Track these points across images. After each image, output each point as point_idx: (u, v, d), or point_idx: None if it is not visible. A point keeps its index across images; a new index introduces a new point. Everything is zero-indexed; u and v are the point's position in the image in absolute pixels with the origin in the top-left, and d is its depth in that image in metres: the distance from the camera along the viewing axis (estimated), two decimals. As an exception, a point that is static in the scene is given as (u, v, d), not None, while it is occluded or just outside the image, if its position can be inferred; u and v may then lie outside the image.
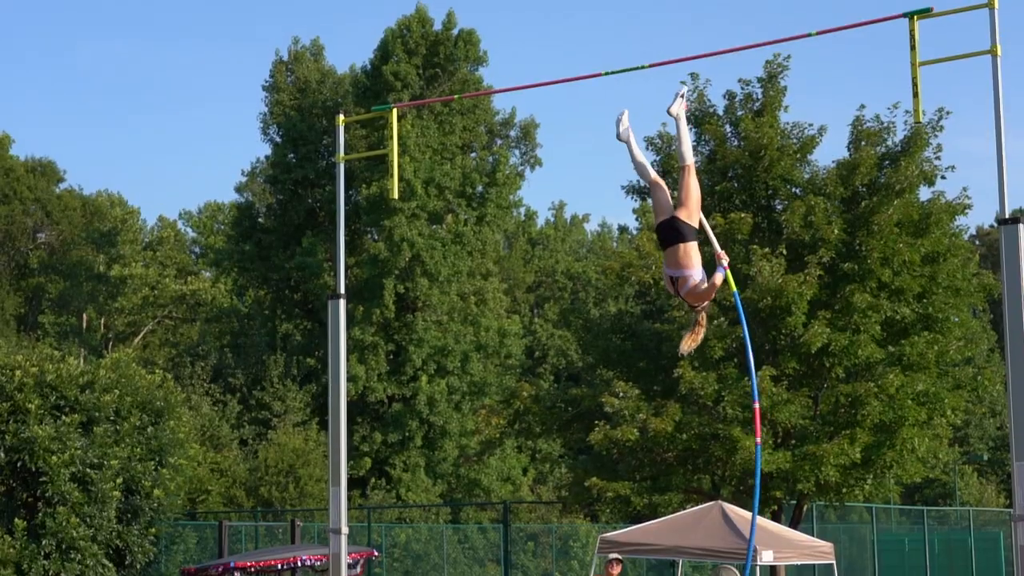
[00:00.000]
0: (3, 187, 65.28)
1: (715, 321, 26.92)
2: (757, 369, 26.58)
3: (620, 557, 22.24)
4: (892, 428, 26.28)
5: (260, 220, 59.16)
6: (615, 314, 36.08)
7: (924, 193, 28.80)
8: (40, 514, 26.74)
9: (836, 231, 27.08)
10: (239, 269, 59.40)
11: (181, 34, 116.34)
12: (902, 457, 26.73)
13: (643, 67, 16.07)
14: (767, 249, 27.18)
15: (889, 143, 28.68)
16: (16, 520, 26.46)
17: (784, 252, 27.22)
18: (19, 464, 26.80)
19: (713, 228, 27.77)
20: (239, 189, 66.06)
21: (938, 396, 26.89)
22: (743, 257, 27.34)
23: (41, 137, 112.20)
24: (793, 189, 29.04)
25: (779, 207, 29.07)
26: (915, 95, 14.24)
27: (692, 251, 11.88)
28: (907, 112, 28.25)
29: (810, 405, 27.10)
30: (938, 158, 28.58)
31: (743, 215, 27.73)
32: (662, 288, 28.61)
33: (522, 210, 64.84)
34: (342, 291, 17.75)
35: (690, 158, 12.60)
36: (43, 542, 26.38)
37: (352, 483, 47.41)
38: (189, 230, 77.41)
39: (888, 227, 27.13)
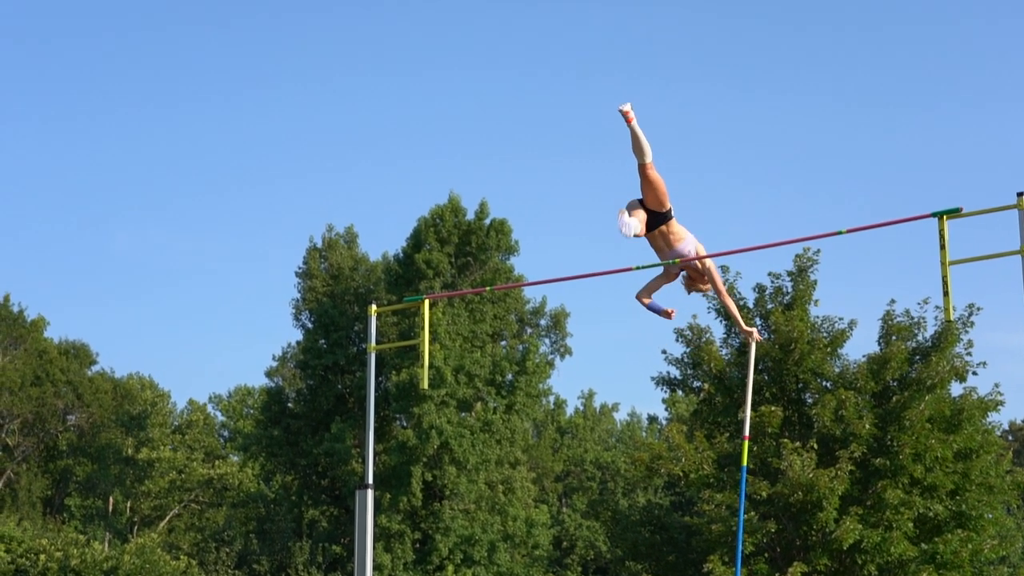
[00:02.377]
0: (36, 369, 65.62)
1: (746, 516, 26.69)
2: (787, 565, 26.27)
3: None
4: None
5: (290, 405, 59.18)
6: (644, 506, 35.82)
7: (956, 389, 28.76)
8: None
9: (867, 426, 26.97)
10: (267, 454, 59.25)
11: (215, 222, 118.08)
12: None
13: (674, 262, 16.21)
14: (798, 443, 27.07)
15: (920, 338, 28.73)
16: None
17: (815, 446, 27.10)
18: (39, 651, 26.57)
19: (743, 421, 27.83)
20: (269, 374, 66.25)
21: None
22: (774, 451, 27.23)
23: (75, 320, 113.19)
24: (824, 383, 29.01)
25: (810, 401, 29.02)
26: (945, 293, 14.30)
27: (674, 227, 13.21)
28: (937, 308, 28.41)
29: (842, 603, 26.70)
30: (969, 354, 28.58)
31: (773, 408, 27.69)
32: (692, 480, 28.48)
33: (551, 398, 64.76)
34: (370, 481, 17.68)
35: (649, 156, 13.10)
36: None
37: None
38: (218, 414, 77.50)
39: (920, 423, 27.01)
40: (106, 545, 42.66)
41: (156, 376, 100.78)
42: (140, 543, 30.84)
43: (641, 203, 13.14)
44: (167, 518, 66.01)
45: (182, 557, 31.96)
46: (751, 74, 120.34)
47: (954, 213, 14.40)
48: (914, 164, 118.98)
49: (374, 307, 18.51)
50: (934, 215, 14.47)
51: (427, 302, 17.89)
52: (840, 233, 15.28)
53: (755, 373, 29.20)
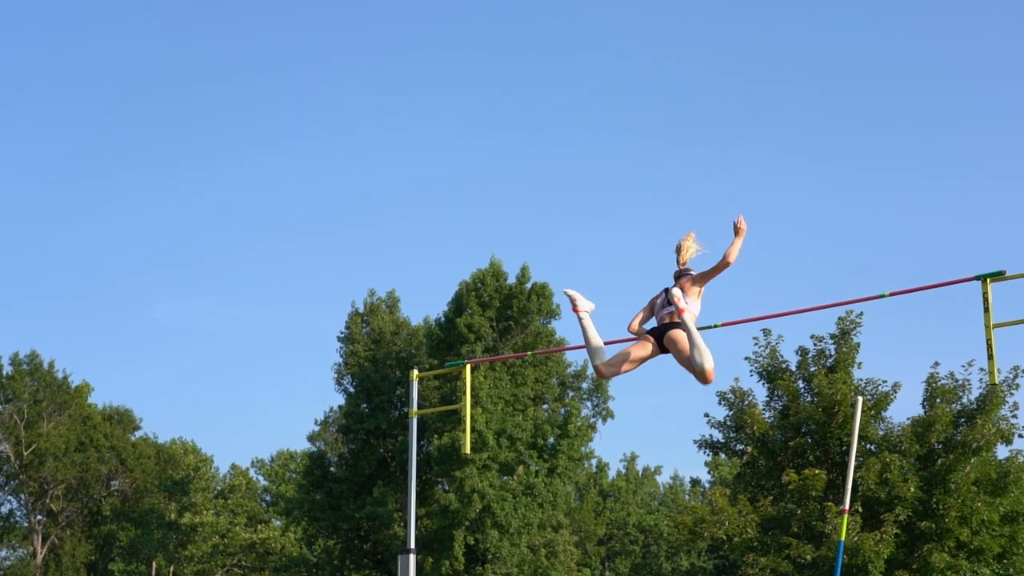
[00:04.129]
0: (80, 435, 66.02)
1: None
2: (834, 629, 26.05)
3: None
4: None
5: (332, 469, 59.28)
6: (688, 569, 35.62)
7: (1002, 451, 28.57)
8: None
9: (912, 489, 26.81)
10: (309, 518, 59.30)
11: (257, 288, 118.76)
12: None
13: (715, 326, 16.24)
14: (842, 507, 26.92)
15: (964, 401, 28.57)
16: None
17: (860, 509, 26.92)
18: None
19: (787, 484, 27.70)
20: (312, 438, 66.45)
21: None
22: (818, 514, 27.07)
23: (119, 386, 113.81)
24: (868, 446, 28.85)
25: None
26: (990, 356, 14.29)
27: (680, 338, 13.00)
28: (982, 370, 28.25)
29: (889, 668, 26.45)
30: (1015, 416, 28.41)
31: (817, 472, 27.56)
32: (736, 544, 28.33)
33: (594, 462, 64.61)
34: (412, 545, 17.73)
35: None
36: None
37: None
38: (261, 478, 77.65)
39: (965, 485, 26.82)
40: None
41: (199, 441, 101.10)
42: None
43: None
44: (210, 582, 66.05)
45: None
46: (796, 142, 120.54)
47: (998, 276, 14.40)
48: (957, 228, 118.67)
49: (416, 372, 18.66)
50: (977, 278, 14.48)
51: (468, 367, 17.99)
52: (883, 296, 15.30)
53: (798, 435, 29.10)
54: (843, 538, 14.62)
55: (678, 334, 12.76)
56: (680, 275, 13.17)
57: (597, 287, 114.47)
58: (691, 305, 12.83)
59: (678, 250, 13.36)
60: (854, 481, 28.15)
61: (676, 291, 12.75)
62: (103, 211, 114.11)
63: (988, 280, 14.36)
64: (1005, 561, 26.93)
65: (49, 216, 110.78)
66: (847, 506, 14.54)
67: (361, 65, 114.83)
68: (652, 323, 13.28)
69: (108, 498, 67.39)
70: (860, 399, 15.46)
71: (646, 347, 13.07)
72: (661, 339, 12.92)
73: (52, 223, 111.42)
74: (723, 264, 12.86)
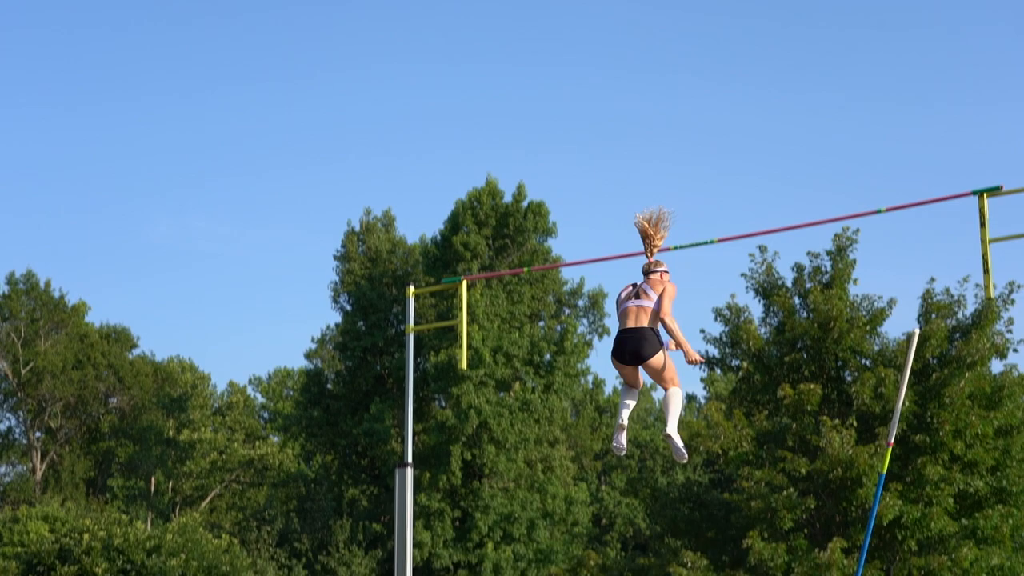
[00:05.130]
0: (77, 353, 66.12)
1: (784, 492, 26.72)
2: (827, 541, 26.31)
3: None
4: (967, 604, 25.84)
5: (329, 386, 59.49)
6: (683, 483, 35.86)
7: (996, 366, 28.67)
8: None
9: (907, 403, 26.94)
10: (307, 434, 59.63)
11: (254, 207, 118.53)
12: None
13: (711, 241, 16.24)
14: (837, 420, 27.06)
15: (960, 316, 28.64)
16: None
17: (854, 423, 27.08)
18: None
19: (782, 399, 27.86)
20: (309, 356, 66.58)
21: (1013, 570, 26.43)
22: (813, 428, 27.24)
23: (116, 305, 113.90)
24: (863, 361, 28.96)
25: (849, 378, 28.98)
26: (985, 271, 14.30)
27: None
28: (977, 286, 28.34)
29: (882, 579, 26.73)
30: (1010, 331, 28.50)
31: (812, 386, 27.69)
32: (731, 458, 28.53)
33: (590, 378, 64.80)
34: (409, 460, 17.83)
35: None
36: None
37: (416, 653, 46.89)
38: (258, 396, 77.93)
39: (960, 400, 26.96)
40: (148, 524, 43.01)
41: (196, 359, 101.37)
42: (182, 522, 31.11)
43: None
44: (208, 498, 66.44)
45: (224, 536, 32.22)
46: (792, 60, 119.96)
47: (994, 191, 14.38)
48: (954, 143, 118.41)
49: (412, 289, 18.67)
50: (974, 193, 14.46)
51: (465, 283, 18.01)
52: (879, 212, 15.29)
53: (794, 351, 29.22)
54: (884, 470, 14.58)
55: (655, 362, 11.76)
56: (649, 271, 11.90)
57: (592, 207, 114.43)
58: (655, 300, 11.67)
59: (645, 236, 12.01)
60: (848, 395, 28.31)
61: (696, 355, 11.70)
62: (101, 131, 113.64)
63: (985, 195, 14.33)
64: (998, 473, 27.12)
65: (46, 136, 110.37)
66: (891, 439, 14.45)
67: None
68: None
69: (106, 415, 67.64)
70: (917, 330, 15.25)
71: (634, 375, 12.25)
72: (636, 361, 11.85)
73: (49, 143, 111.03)
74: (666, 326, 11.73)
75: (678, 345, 11.78)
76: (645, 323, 11.61)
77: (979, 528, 26.28)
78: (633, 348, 11.64)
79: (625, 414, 12.24)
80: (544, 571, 50.79)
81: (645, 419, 76.21)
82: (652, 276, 11.85)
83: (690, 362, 11.76)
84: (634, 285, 11.91)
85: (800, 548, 26.15)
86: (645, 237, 11.99)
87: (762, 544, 25.97)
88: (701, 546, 28.29)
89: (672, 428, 11.90)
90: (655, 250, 11.97)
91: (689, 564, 26.80)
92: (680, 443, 12.02)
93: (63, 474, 65.61)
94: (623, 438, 12.31)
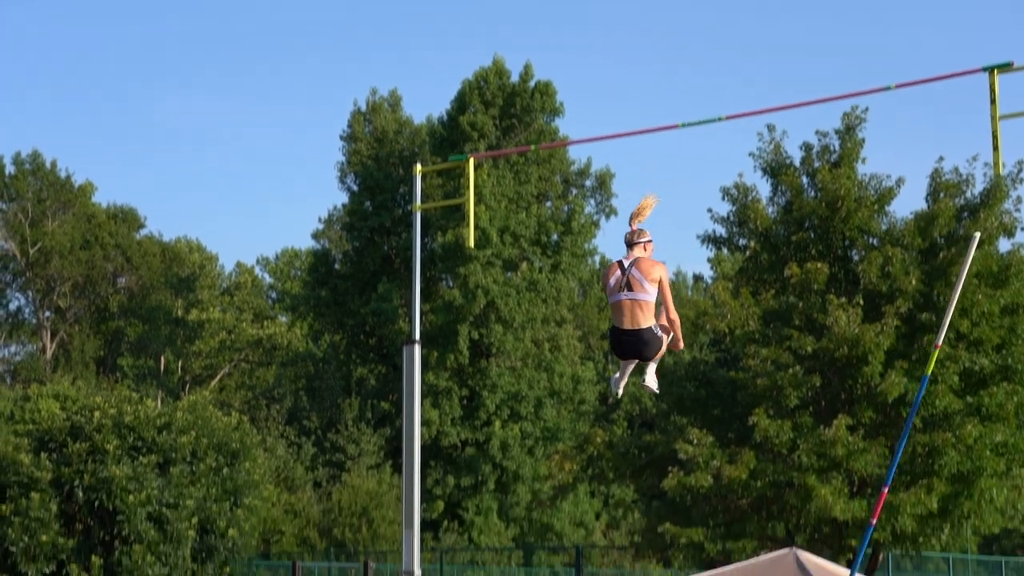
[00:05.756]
0: (85, 233, 66.26)
1: (790, 369, 26.84)
2: (832, 418, 26.48)
3: None
4: (970, 478, 26.02)
5: (336, 267, 59.64)
6: (690, 362, 36.00)
7: (1004, 244, 28.60)
8: (117, 552, 27.13)
9: (914, 282, 26.94)
10: (315, 314, 59.91)
11: (261, 87, 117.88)
12: (980, 507, 26.44)
13: (719, 119, 16.17)
14: (843, 299, 27.09)
15: (968, 195, 28.51)
16: (93, 557, 26.86)
17: (861, 302, 27.11)
18: (96, 503, 27.23)
19: (789, 278, 27.88)
20: (316, 236, 66.69)
21: (1017, 447, 26.61)
22: (819, 307, 27.28)
23: (123, 185, 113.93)
24: (870, 240, 28.91)
25: (856, 258, 28.96)
26: (995, 148, 14.24)
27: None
28: (986, 164, 28.16)
29: (887, 454, 26.90)
30: (1018, 210, 28.38)
31: (819, 265, 27.68)
32: (737, 336, 28.62)
33: (597, 258, 64.80)
34: (417, 337, 17.92)
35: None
36: (119, 580, 26.74)
37: (424, 525, 47.48)
38: (266, 276, 78.16)
39: (967, 278, 26.93)
40: (159, 403, 43.38)
41: (204, 240, 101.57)
42: (192, 400, 31.32)
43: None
44: (218, 377, 66.99)
45: (234, 413, 32.46)
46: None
47: (1005, 67, 14.27)
48: (965, 18, 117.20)
49: (419, 167, 18.65)
50: (984, 69, 14.34)
51: (472, 161, 17.95)
52: (888, 88, 15.19)
53: (801, 230, 29.15)
54: (928, 372, 14.54)
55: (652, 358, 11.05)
56: (633, 242, 10.96)
57: (601, 83, 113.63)
58: (649, 291, 10.71)
59: (633, 216, 11.10)
60: (855, 274, 28.29)
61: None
62: (107, 9, 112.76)
63: (995, 71, 14.22)
64: (1004, 351, 27.15)
65: (50, 15, 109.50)
66: (939, 341, 14.36)
67: None
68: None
69: (115, 295, 67.92)
70: (977, 235, 15.06)
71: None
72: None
73: (54, 20, 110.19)
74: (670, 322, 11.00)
75: (673, 336, 11.12)
76: (643, 323, 10.73)
77: (984, 405, 26.37)
78: (634, 351, 11.00)
79: (629, 368, 11.54)
80: (551, 448, 51.33)
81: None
82: (636, 248, 10.93)
83: (675, 349, 11.42)
84: (621, 267, 10.84)
85: (805, 425, 26.30)
86: (633, 216, 11.06)
87: (767, 421, 26.12)
88: (707, 423, 28.44)
89: (649, 380, 11.58)
90: (644, 216, 11.04)
91: (695, 441, 26.98)
92: (655, 385, 11.65)
93: (73, 353, 66.09)
94: (622, 385, 11.75)
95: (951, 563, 38.40)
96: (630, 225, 11.02)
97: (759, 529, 27.76)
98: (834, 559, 25.67)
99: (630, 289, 10.66)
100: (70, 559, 27.09)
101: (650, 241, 11.01)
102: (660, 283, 10.76)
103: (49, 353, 65.97)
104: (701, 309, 29.95)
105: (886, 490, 15.61)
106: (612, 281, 10.79)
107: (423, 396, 47.58)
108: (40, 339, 67.27)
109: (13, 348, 70.42)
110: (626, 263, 10.79)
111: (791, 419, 26.73)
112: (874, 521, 14.82)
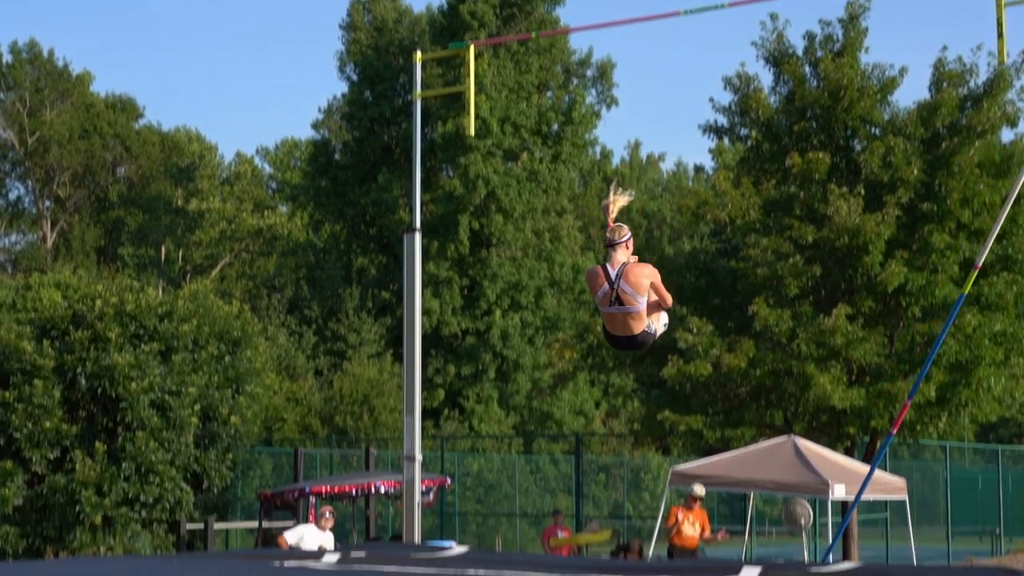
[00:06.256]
0: (84, 122, 65.96)
1: (791, 259, 26.87)
2: (832, 308, 26.57)
3: (704, 495, 22.23)
4: (968, 367, 26.19)
5: (336, 157, 59.49)
6: (690, 252, 36.05)
7: (1006, 134, 28.51)
8: (120, 439, 27.37)
9: (915, 171, 26.89)
10: (315, 204, 59.86)
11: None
12: (977, 396, 26.64)
13: (722, 6, 16.01)
14: (845, 189, 27.05)
15: (971, 84, 28.34)
16: (97, 444, 27.10)
17: (862, 192, 27.09)
18: (99, 391, 27.43)
19: (790, 167, 27.82)
20: (316, 126, 66.41)
21: (1016, 336, 26.74)
22: (820, 197, 27.25)
23: (121, 74, 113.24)
24: (872, 130, 28.81)
25: (858, 147, 28.87)
26: (1000, 35, 14.12)
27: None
28: (991, 54, 28.00)
29: (886, 343, 27.06)
30: (1021, 99, 28.26)
31: (821, 155, 27.61)
32: (738, 226, 28.62)
33: (597, 149, 64.70)
34: (417, 225, 17.91)
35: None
36: (123, 465, 27.03)
37: (425, 414, 47.84)
38: (266, 166, 77.94)
39: (969, 168, 26.88)
40: (160, 292, 43.47)
41: (203, 129, 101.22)
42: (193, 289, 31.44)
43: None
44: (218, 267, 67.08)
45: (235, 302, 32.54)
46: None
47: (1011, -49, 14.10)
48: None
49: (419, 54, 18.50)
50: (990, -47, 14.18)
51: (472, 48, 17.82)
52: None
53: (803, 120, 29.02)
54: (966, 291, 14.43)
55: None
56: (614, 242, 9.87)
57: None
58: (641, 303, 9.77)
59: (606, 210, 10.07)
60: (857, 164, 28.20)
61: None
62: None
63: (1002, -44, 14.06)
64: (1004, 242, 27.18)
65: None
66: (980, 262, 14.24)
67: None
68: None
69: (115, 185, 67.79)
70: None
71: None
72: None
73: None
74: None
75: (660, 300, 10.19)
76: (636, 330, 9.97)
77: (983, 295, 26.47)
78: (630, 348, 10.51)
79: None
80: (551, 338, 51.56)
81: (653, 190, 76.33)
82: (618, 249, 9.82)
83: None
84: (607, 277, 9.78)
85: (805, 314, 26.38)
86: (606, 209, 10.07)
87: (767, 310, 26.19)
88: (707, 313, 28.51)
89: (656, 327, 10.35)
90: (614, 214, 10.00)
91: (695, 330, 27.07)
92: (663, 324, 10.47)
93: (73, 243, 66.13)
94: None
95: (948, 451, 38.80)
96: (605, 217, 10.00)
97: (757, 417, 27.97)
98: (831, 447, 25.92)
99: (621, 303, 9.77)
100: (74, 445, 27.33)
101: (631, 238, 10.00)
102: (653, 287, 9.89)
103: (50, 242, 66.01)
104: (702, 199, 29.91)
105: (908, 403, 15.71)
106: (600, 294, 9.87)
107: (423, 286, 47.72)
108: (40, 228, 67.27)
109: (13, 237, 70.47)
110: (611, 272, 9.74)
111: (791, 308, 26.82)
112: (894, 431, 14.91)
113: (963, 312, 26.12)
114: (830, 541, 26.94)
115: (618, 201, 10.00)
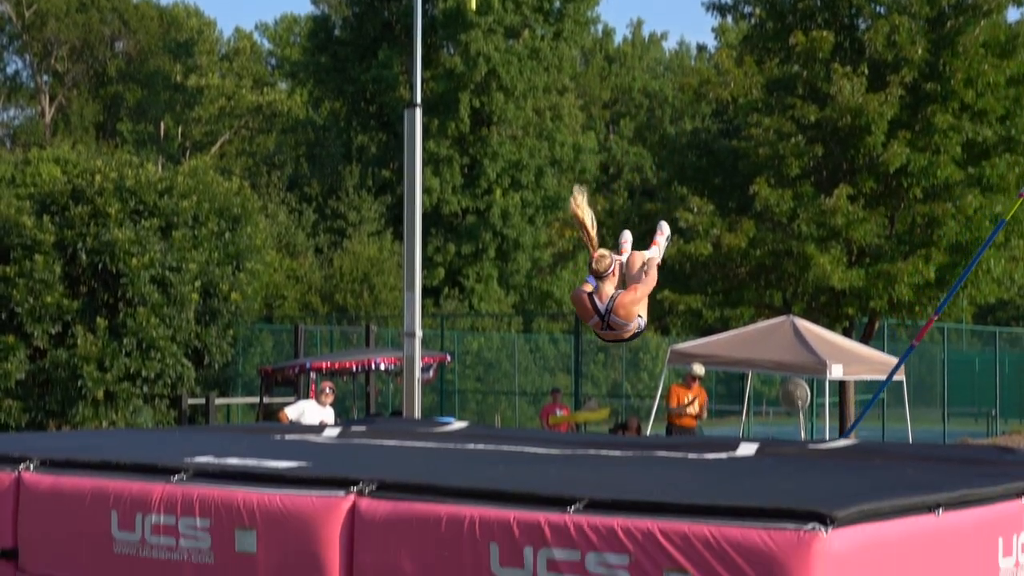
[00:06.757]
0: (82, -5, 65.32)
1: (793, 139, 26.75)
2: (833, 188, 26.52)
3: (703, 373, 22.32)
4: (968, 249, 26.17)
5: (336, 33, 58.91)
6: (692, 131, 35.90)
7: (1012, 14, 28.22)
8: (121, 314, 27.43)
9: (920, 51, 26.66)
10: (315, 81, 59.42)
11: None
12: (977, 278, 26.68)
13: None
14: (848, 68, 26.83)
15: (979, -37, 27.99)
16: (98, 319, 27.17)
17: (866, 72, 26.87)
18: (100, 266, 27.44)
19: (793, 46, 27.58)
20: (315, 1, 65.67)
21: (1016, 218, 26.71)
22: (824, 76, 27.06)
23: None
24: (877, 8, 28.52)
25: (862, 26, 28.62)
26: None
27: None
28: (999, -71, 27.65)
29: (886, 224, 27.04)
30: (1028, -21, 27.96)
31: (825, 34, 27.36)
32: (740, 105, 28.47)
33: (599, 27, 64.09)
34: (418, 100, 17.82)
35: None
36: (124, 341, 27.12)
37: (425, 292, 47.92)
38: (265, 42, 77.28)
39: (973, 48, 26.66)
40: (159, 168, 43.35)
41: (201, 4, 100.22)
42: (193, 165, 31.35)
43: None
44: (218, 144, 66.80)
45: (234, 179, 32.47)
46: None
47: None
48: None
49: (421, -74, 18.27)
50: None
51: (475, -82, 17.59)
52: None
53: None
54: (1008, 217, 14.26)
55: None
56: (601, 275, 9.09)
57: None
58: (631, 327, 9.15)
59: (589, 242, 9.12)
60: (861, 43, 27.98)
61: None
62: None
63: None
64: (1007, 122, 27.05)
65: None
66: None
67: None
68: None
69: (113, 59, 67.28)
70: None
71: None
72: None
73: None
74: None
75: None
76: (625, 336, 9.34)
77: (985, 176, 26.37)
78: (619, 342, 9.77)
79: None
80: (551, 217, 51.49)
81: (655, 68, 75.78)
82: (606, 281, 9.08)
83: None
84: (596, 309, 9.07)
85: (806, 194, 26.29)
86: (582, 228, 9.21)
87: (768, 190, 26.11)
88: (708, 192, 28.42)
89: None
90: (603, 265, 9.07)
91: (696, 210, 27.00)
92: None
93: (72, 118, 65.81)
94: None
95: (946, 332, 38.97)
96: (588, 248, 9.18)
97: (757, 297, 28.04)
98: (830, 327, 26.02)
99: (612, 328, 9.18)
100: (75, 320, 27.40)
101: (616, 266, 9.13)
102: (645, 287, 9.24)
103: (48, 117, 65.69)
104: (704, 78, 29.71)
105: (935, 318, 15.69)
106: (590, 322, 9.26)
107: (424, 164, 47.58)
108: (39, 103, 66.93)
109: (12, 112, 70.15)
110: (601, 305, 9.05)
111: (792, 188, 26.75)
112: (915, 344, 14.91)
113: (964, 193, 26.10)
114: (827, 421, 27.25)
115: (583, 208, 9.11)
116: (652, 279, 9.24)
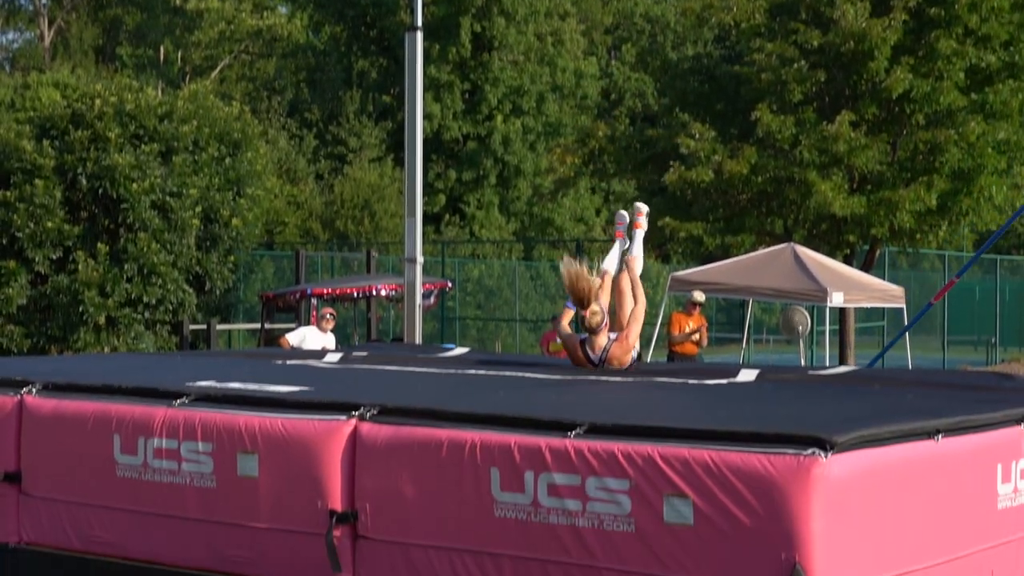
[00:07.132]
0: (78, -85, 64.75)
1: (795, 64, 26.61)
2: (835, 114, 26.39)
3: (703, 301, 22.29)
4: (970, 176, 26.12)
5: (336, -44, 58.45)
6: (693, 56, 35.67)
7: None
8: (122, 240, 27.41)
9: (925, -25, 26.46)
10: (315, 5, 59.00)
11: None
12: (978, 205, 26.64)
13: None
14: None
15: None
16: (99, 245, 27.15)
17: (869, -7, 26.66)
18: (100, 191, 27.38)
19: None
20: (316, -76, 65.07)
21: (1019, 145, 26.63)
22: (827, 0, 26.84)
23: None
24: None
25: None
26: None
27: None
28: None
29: (888, 151, 26.93)
30: (1038, -100, 27.65)
31: (829, -41, 27.12)
32: (743, 30, 28.28)
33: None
34: (419, 23, 17.70)
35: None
36: (125, 266, 27.12)
37: (426, 219, 47.83)
38: (264, -35, 76.64)
39: (977, -28, 26.46)
40: (159, 92, 43.13)
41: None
42: (193, 90, 31.17)
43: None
44: (218, 68, 66.39)
45: (235, 104, 32.32)
46: None
47: None
48: None
49: None
50: None
51: None
52: None
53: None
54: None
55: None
56: (594, 331, 9.24)
57: None
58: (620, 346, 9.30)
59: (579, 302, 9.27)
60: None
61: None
62: None
63: None
64: (1011, 48, 26.88)
65: None
66: None
67: None
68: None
69: (112, -18, 66.83)
70: None
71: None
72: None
73: None
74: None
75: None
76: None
77: (988, 102, 26.21)
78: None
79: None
80: (553, 143, 51.34)
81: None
82: (600, 333, 9.27)
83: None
84: (588, 359, 9.29)
85: (808, 121, 26.15)
86: (580, 296, 9.31)
87: (770, 116, 25.97)
88: (710, 118, 28.27)
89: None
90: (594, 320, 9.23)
91: (697, 136, 26.88)
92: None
93: (71, 41, 65.44)
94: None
95: (946, 260, 38.95)
96: (579, 305, 9.26)
97: (758, 224, 27.98)
98: (831, 255, 25.98)
99: (604, 364, 9.29)
100: (76, 246, 27.37)
101: (607, 322, 9.27)
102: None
103: (47, 41, 65.31)
104: (706, 2, 29.47)
105: (956, 279, 15.66)
106: (581, 354, 9.34)
107: (424, 90, 47.38)
108: (37, 26, 66.51)
109: (11, 35, 69.74)
110: (594, 356, 9.24)
111: (794, 114, 26.62)
112: (934, 301, 14.85)
113: (967, 120, 25.98)
114: (827, 349, 27.30)
115: (586, 278, 9.29)
116: (640, 310, 9.52)
